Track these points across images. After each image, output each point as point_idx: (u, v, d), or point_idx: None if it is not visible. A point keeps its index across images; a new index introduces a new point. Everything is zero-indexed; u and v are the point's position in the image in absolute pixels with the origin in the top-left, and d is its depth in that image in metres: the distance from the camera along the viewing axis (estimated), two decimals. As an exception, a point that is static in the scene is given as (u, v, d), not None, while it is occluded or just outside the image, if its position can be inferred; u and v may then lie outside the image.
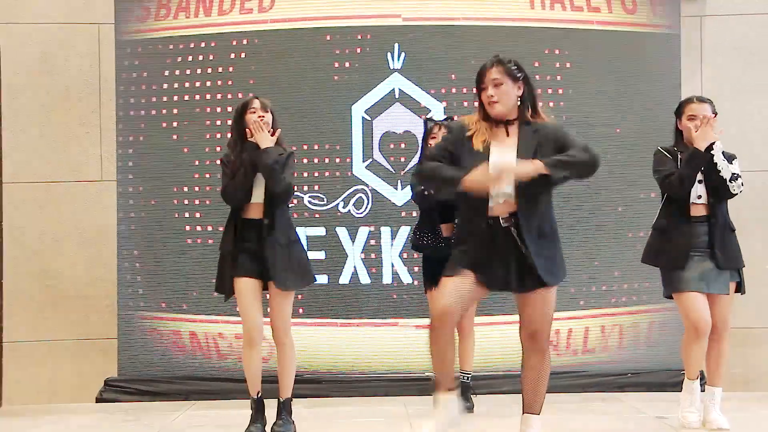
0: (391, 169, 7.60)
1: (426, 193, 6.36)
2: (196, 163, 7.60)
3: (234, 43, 7.63)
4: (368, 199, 7.59)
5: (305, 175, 7.54)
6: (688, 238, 5.67)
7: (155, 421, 6.57)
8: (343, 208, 7.61)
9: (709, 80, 7.76)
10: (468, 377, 6.60)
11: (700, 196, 5.71)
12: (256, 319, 5.60)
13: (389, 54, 7.62)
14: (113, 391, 7.50)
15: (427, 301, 6.30)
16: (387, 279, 7.59)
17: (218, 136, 7.53)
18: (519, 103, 4.70)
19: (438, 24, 7.62)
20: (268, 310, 5.69)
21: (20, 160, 7.72)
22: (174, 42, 7.66)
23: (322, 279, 7.41)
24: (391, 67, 7.62)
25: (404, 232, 7.55)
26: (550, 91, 7.51)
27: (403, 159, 7.53)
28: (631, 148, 7.56)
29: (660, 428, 5.99)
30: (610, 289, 7.59)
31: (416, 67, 7.60)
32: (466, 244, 4.64)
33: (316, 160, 7.60)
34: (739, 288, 5.82)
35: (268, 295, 5.70)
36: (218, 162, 5.90)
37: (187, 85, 7.63)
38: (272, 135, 5.66)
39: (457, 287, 4.57)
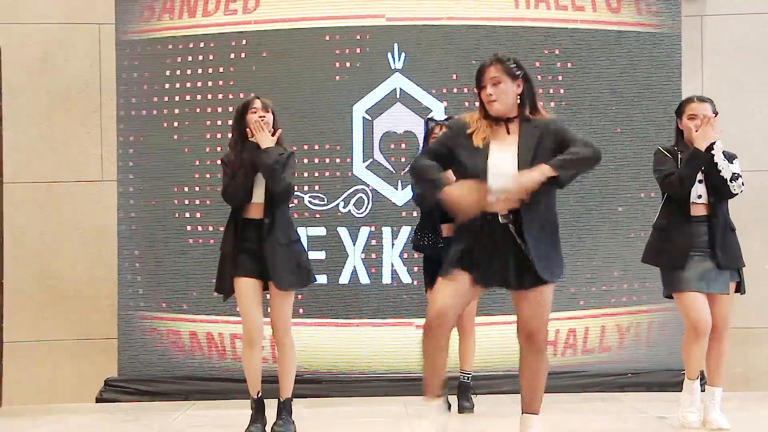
0: (392, 169, 7.60)
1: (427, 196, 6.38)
2: (197, 163, 7.60)
3: (234, 43, 7.62)
4: (369, 199, 7.59)
5: (306, 175, 7.54)
6: (688, 237, 5.67)
7: (155, 421, 6.57)
8: (344, 208, 7.61)
9: (710, 80, 7.76)
10: (468, 377, 6.60)
11: (700, 196, 5.70)
12: (256, 319, 5.60)
13: (390, 54, 7.62)
14: (113, 391, 7.50)
15: (428, 301, 6.30)
16: (387, 279, 7.59)
17: (219, 136, 7.53)
18: (519, 101, 4.68)
19: (439, 24, 7.62)
20: (269, 310, 5.69)
21: (21, 160, 7.72)
22: (175, 42, 7.66)
23: (322, 279, 7.41)
24: (392, 67, 7.62)
25: (405, 232, 7.55)
26: (551, 91, 7.51)
27: (403, 159, 7.53)
28: (632, 147, 7.56)
29: (660, 428, 5.99)
30: (610, 288, 7.59)
31: (417, 67, 7.60)
32: (464, 241, 4.62)
33: (316, 160, 7.60)
34: (739, 288, 5.82)
35: (268, 295, 5.70)
36: (219, 162, 5.89)
37: (188, 85, 7.63)
38: (273, 135, 5.66)
39: (454, 289, 4.56)
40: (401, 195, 7.55)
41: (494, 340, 7.31)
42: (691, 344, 5.66)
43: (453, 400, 6.60)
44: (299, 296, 7.18)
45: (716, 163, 5.64)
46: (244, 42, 7.62)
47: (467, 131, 4.68)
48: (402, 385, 7.27)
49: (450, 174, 4.76)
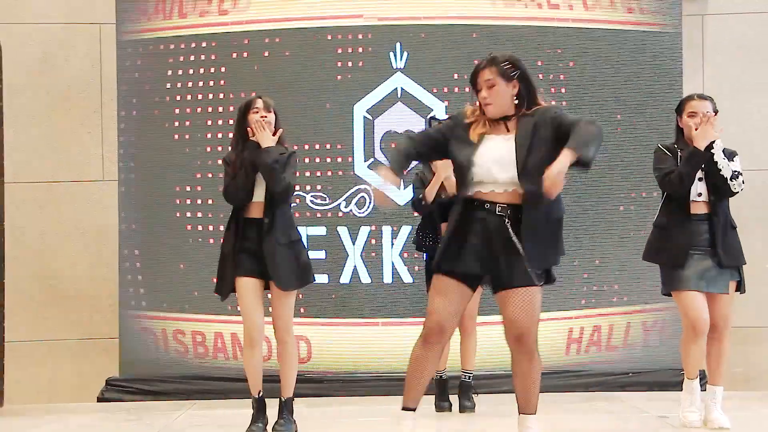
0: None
1: (423, 203, 6.39)
2: (198, 162, 7.60)
3: (235, 42, 7.62)
4: (370, 199, 7.59)
5: (307, 174, 7.54)
6: (688, 236, 5.66)
7: (156, 420, 6.57)
8: (345, 207, 7.61)
9: (710, 79, 7.77)
10: (469, 377, 6.60)
11: (700, 194, 5.69)
12: (256, 319, 5.60)
13: (392, 53, 7.62)
14: (114, 390, 7.50)
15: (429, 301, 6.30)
16: (387, 278, 7.60)
17: (219, 135, 7.53)
18: (516, 100, 4.62)
19: (440, 23, 7.62)
20: (270, 309, 5.69)
21: (21, 160, 7.72)
22: (175, 42, 7.66)
23: (322, 278, 7.41)
24: (394, 67, 7.62)
25: (405, 231, 7.55)
26: (553, 90, 7.50)
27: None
28: (633, 147, 7.56)
29: (661, 427, 5.99)
30: (610, 288, 7.59)
31: (419, 66, 7.60)
32: (454, 234, 4.57)
33: (317, 160, 7.60)
34: (740, 287, 5.81)
35: (269, 295, 5.70)
36: (220, 162, 5.89)
37: (189, 84, 7.63)
38: (274, 135, 5.65)
39: (449, 299, 4.53)
40: (402, 195, 7.54)
41: (495, 339, 7.26)
42: (690, 344, 5.66)
43: (454, 399, 6.61)
44: (300, 296, 7.18)
45: (716, 161, 5.63)
46: (245, 42, 7.62)
47: (465, 122, 4.67)
48: (403, 385, 7.26)
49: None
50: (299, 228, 5.85)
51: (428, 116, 7.32)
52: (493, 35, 7.56)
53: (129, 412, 6.97)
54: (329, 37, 7.62)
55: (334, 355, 7.56)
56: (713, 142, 5.64)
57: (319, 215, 7.61)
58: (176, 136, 7.64)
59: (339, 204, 7.61)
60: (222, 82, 7.60)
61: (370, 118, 7.61)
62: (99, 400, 7.49)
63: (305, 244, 5.91)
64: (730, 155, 5.70)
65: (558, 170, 4.34)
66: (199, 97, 7.61)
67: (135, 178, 7.66)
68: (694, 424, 5.72)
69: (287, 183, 5.57)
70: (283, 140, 5.71)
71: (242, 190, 5.60)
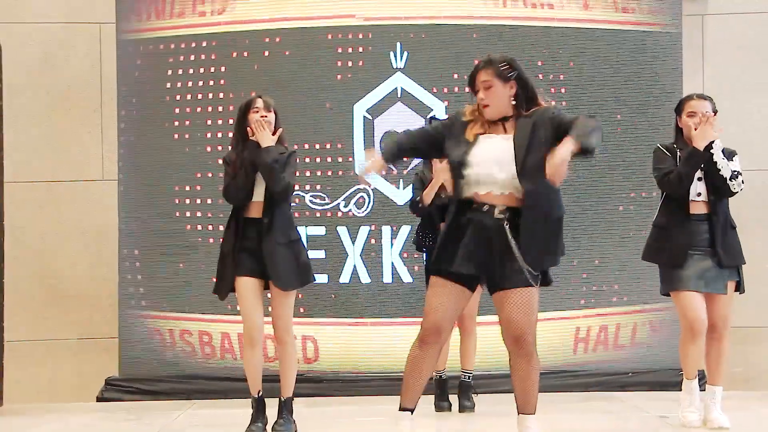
0: (393, 169, 7.59)
1: (420, 205, 6.40)
2: (198, 162, 7.60)
3: (235, 42, 7.62)
4: (369, 199, 7.59)
5: (307, 174, 7.54)
6: (688, 236, 5.65)
7: (156, 420, 6.56)
8: (345, 207, 7.61)
9: (710, 79, 7.77)
10: (469, 376, 6.60)
11: (699, 194, 5.68)
12: (256, 319, 5.60)
13: (392, 53, 7.62)
14: (114, 390, 7.51)
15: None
16: (387, 278, 7.60)
17: (219, 135, 7.53)
18: (514, 101, 4.61)
19: (440, 23, 7.62)
20: (270, 309, 5.69)
21: (21, 160, 7.72)
22: (175, 41, 7.66)
23: (322, 278, 7.41)
24: (394, 66, 7.62)
25: (405, 231, 7.55)
26: (552, 90, 7.50)
27: (404, 159, 7.50)
28: (633, 146, 7.56)
29: (661, 427, 5.99)
30: (610, 287, 7.60)
31: (419, 66, 7.60)
32: (454, 235, 4.56)
33: (317, 160, 7.60)
34: (739, 287, 5.81)
35: (269, 294, 5.70)
36: (220, 161, 5.89)
37: (189, 84, 7.63)
38: (274, 134, 5.65)
39: (445, 300, 4.53)
40: (402, 194, 7.55)
41: (495, 339, 7.26)
42: (688, 344, 5.66)
43: (454, 399, 6.61)
44: (299, 295, 7.18)
45: (715, 161, 5.63)
46: (245, 41, 7.62)
47: (462, 120, 4.67)
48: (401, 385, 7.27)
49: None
50: (299, 228, 5.86)
51: (428, 116, 7.33)
52: (493, 35, 7.56)
53: (129, 411, 6.97)
54: (329, 37, 7.62)
55: (334, 355, 7.55)
56: (712, 142, 5.63)
57: (318, 215, 7.61)
58: (176, 136, 7.64)
59: (338, 204, 7.61)
60: (222, 81, 7.61)
61: (370, 117, 7.61)
62: (98, 399, 7.50)
63: (305, 243, 5.91)
64: (729, 155, 5.70)
65: (561, 157, 4.33)
66: (199, 96, 7.61)
67: (135, 177, 7.66)
68: (694, 424, 5.72)
69: (287, 182, 5.57)
70: (283, 140, 5.71)
71: (242, 190, 5.60)
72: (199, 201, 7.61)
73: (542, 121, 4.53)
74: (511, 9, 7.62)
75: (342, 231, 7.60)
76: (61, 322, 7.73)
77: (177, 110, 7.63)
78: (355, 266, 7.59)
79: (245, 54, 7.62)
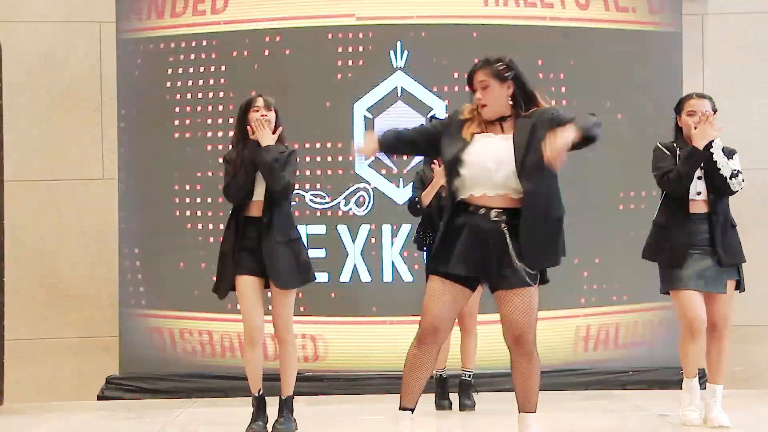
0: (393, 168, 7.60)
1: (419, 206, 6.41)
2: (198, 161, 7.60)
3: (236, 41, 7.63)
4: (370, 198, 7.60)
5: (307, 173, 7.54)
6: (687, 235, 5.65)
7: (157, 418, 6.56)
8: (345, 206, 7.61)
9: (710, 78, 7.77)
10: (469, 375, 6.61)
11: (699, 193, 5.68)
12: (256, 318, 5.60)
13: (392, 52, 7.62)
14: (115, 388, 7.51)
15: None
16: (387, 277, 7.60)
17: (219, 134, 7.54)
18: (512, 101, 4.60)
19: (441, 22, 7.63)
20: (270, 307, 5.69)
21: (21, 159, 7.72)
22: (175, 40, 7.66)
23: (322, 277, 7.41)
24: (394, 65, 7.63)
25: (405, 230, 7.56)
26: (552, 89, 7.50)
27: (405, 157, 7.52)
28: (633, 146, 7.56)
29: (661, 426, 6.00)
30: (611, 286, 7.60)
31: (419, 65, 7.60)
32: (450, 237, 4.56)
33: (318, 158, 7.61)
34: (739, 286, 5.81)
35: (270, 293, 5.70)
36: (220, 160, 5.90)
37: (189, 83, 7.63)
38: (274, 133, 5.65)
39: (444, 300, 4.53)
40: (402, 193, 7.55)
41: (495, 338, 7.26)
42: (687, 343, 5.67)
43: (454, 398, 6.61)
44: (299, 294, 7.18)
45: (715, 161, 5.63)
46: (245, 40, 7.62)
47: (460, 118, 4.68)
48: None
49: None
50: (299, 227, 5.86)
51: (428, 115, 7.33)
52: (493, 34, 7.56)
53: (129, 410, 6.97)
54: (329, 36, 7.63)
55: (334, 354, 7.56)
56: (712, 141, 5.63)
57: (318, 214, 7.61)
58: (176, 135, 7.65)
59: (339, 203, 7.61)
60: (222, 80, 7.61)
61: (371, 116, 7.62)
62: (99, 398, 7.50)
63: (305, 242, 5.91)
64: (729, 154, 5.70)
65: (562, 139, 4.29)
66: (199, 95, 7.62)
67: (135, 176, 7.66)
68: (694, 423, 5.73)
69: (286, 182, 5.57)
70: (283, 139, 5.71)
71: (242, 189, 5.60)
72: (199, 200, 7.61)
73: (541, 121, 4.52)
74: (512, 8, 7.63)
75: (342, 230, 7.60)
76: (61, 321, 7.73)
77: (177, 109, 7.63)
78: (355, 265, 7.60)
79: (245, 53, 7.62)
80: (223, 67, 7.61)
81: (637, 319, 7.61)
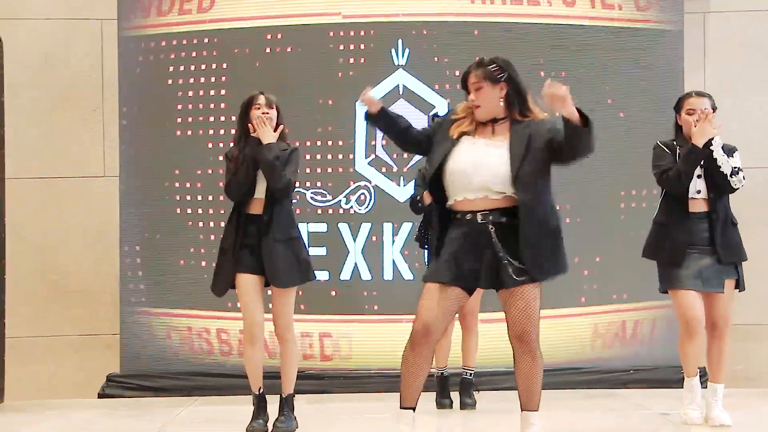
0: (394, 166, 7.60)
1: (420, 204, 6.41)
2: (199, 159, 7.60)
3: (237, 39, 7.62)
4: (370, 196, 7.60)
5: (308, 171, 7.54)
6: (687, 234, 5.64)
7: (158, 416, 6.56)
8: (346, 204, 7.61)
9: (712, 77, 7.77)
10: (470, 373, 6.60)
11: (699, 191, 5.67)
12: (256, 316, 5.60)
13: (394, 50, 7.62)
14: (116, 386, 7.51)
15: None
16: (388, 275, 7.60)
17: (221, 131, 7.54)
18: (506, 103, 4.60)
19: (442, 20, 7.62)
20: (270, 306, 5.69)
21: (23, 157, 7.72)
22: (177, 38, 7.66)
23: (323, 275, 7.41)
24: (396, 63, 7.62)
25: (406, 228, 7.55)
26: (552, 88, 7.50)
27: (405, 156, 7.51)
28: (634, 145, 7.55)
29: (663, 425, 6.00)
30: (611, 285, 7.59)
31: (421, 63, 7.60)
32: (447, 244, 4.57)
33: (318, 157, 7.60)
34: (738, 285, 5.80)
35: (270, 291, 5.70)
36: (221, 157, 5.90)
37: (190, 80, 7.63)
38: (275, 131, 5.65)
39: (438, 300, 4.53)
40: (403, 191, 7.55)
41: (496, 336, 7.28)
42: (686, 342, 5.66)
43: (455, 396, 6.61)
44: (300, 292, 7.18)
45: (715, 159, 5.62)
46: (247, 38, 7.61)
47: (452, 117, 4.68)
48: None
49: None
50: (300, 225, 5.85)
51: (430, 113, 7.31)
52: (494, 32, 7.55)
53: (130, 408, 6.98)
54: (331, 34, 7.62)
55: (335, 352, 7.56)
56: (712, 138, 5.62)
57: (319, 212, 7.61)
58: (178, 132, 7.64)
59: (340, 201, 7.61)
60: (223, 78, 7.60)
61: (372, 115, 7.60)
62: (100, 396, 7.50)
63: (306, 241, 5.91)
64: (729, 151, 5.68)
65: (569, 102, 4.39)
66: (201, 93, 7.61)
67: (136, 174, 7.66)
68: (695, 422, 5.72)
69: (287, 180, 5.57)
70: (284, 137, 5.70)
71: (243, 186, 5.60)
72: (200, 198, 7.61)
73: (539, 133, 4.55)
74: (513, 6, 7.62)
75: (343, 228, 7.60)
76: (62, 318, 7.73)
77: (179, 107, 7.63)
78: (356, 263, 7.60)
79: (247, 51, 7.62)
80: (224, 65, 7.61)
81: (637, 318, 7.61)
